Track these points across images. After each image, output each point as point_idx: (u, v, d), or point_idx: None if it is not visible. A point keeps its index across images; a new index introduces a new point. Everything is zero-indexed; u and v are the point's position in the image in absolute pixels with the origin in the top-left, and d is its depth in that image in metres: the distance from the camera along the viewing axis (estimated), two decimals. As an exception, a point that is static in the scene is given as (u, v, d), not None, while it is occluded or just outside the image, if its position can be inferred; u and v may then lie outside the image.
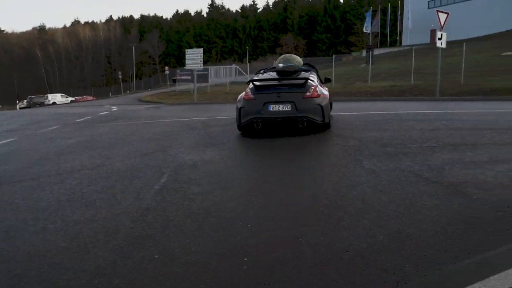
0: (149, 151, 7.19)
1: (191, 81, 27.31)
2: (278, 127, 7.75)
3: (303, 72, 8.59)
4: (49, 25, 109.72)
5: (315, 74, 8.86)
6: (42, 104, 50.12)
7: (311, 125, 7.60)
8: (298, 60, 8.72)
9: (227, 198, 4.26)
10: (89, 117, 16.51)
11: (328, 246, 2.99)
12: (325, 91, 8.38)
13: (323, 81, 9.40)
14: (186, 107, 19.73)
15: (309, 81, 7.85)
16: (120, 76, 70.70)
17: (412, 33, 52.67)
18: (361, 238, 3.07)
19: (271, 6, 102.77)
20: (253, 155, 6.29)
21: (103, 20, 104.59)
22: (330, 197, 4.07)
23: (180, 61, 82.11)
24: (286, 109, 7.62)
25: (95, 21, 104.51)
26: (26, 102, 54.39)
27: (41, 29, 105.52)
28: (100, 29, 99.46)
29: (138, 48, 78.66)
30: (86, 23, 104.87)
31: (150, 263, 2.89)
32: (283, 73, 8.53)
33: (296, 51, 74.65)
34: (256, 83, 8.05)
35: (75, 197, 4.61)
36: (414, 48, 25.14)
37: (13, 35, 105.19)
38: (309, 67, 9.23)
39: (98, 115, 17.46)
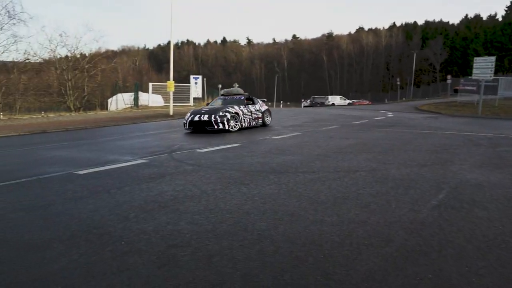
0: (427, 163, 6.87)
1: (476, 92, 24.94)
2: None
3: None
4: (336, 32, 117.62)
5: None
6: (322, 104, 54.48)
7: None
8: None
9: (519, 230, 3.66)
10: (365, 120, 17.03)
11: None
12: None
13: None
14: (468, 120, 18.11)
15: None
16: (398, 83, 70.41)
17: None
18: None
19: None
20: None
21: (386, 27, 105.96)
22: None
23: (464, 70, 76.12)
24: None
25: (378, 27, 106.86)
26: (309, 101, 60.03)
27: (329, 36, 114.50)
28: (382, 36, 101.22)
29: (418, 55, 76.63)
30: (370, 29, 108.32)
31: (423, 282, 2.72)
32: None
33: None
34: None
35: (350, 196, 4.77)
36: None
37: (305, 41, 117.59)
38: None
39: (374, 119, 17.81)
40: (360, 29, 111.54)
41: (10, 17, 26.99)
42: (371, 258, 3.08)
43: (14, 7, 44.01)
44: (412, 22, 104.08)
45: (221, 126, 12.74)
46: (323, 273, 2.86)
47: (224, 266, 3.00)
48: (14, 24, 34.45)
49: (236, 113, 13.42)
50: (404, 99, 66.38)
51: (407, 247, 3.28)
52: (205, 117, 12.89)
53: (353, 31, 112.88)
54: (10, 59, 31.56)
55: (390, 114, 22.54)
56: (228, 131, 12.82)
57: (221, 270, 2.94)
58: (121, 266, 3.03)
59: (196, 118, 12.95)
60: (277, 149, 8.71)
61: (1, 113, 27.22)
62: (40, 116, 22.23)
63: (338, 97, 59.35)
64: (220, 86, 50.97)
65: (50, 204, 4.76)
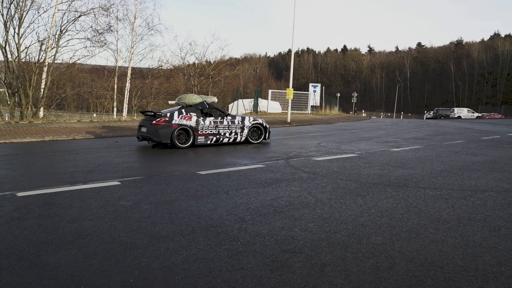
0: None
1: None
2: None
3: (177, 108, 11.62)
4: (466, 39, 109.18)
5: (189, 110, 11.44)
6: (447, 117, 51.08)
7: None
8: (189, 98, 11.85)
9: None
10: (497, 136, 15.56)
11: None
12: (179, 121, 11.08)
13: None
14: None
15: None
16: (538, 95, 63.15)
17: None
18: None
19: None
20: None
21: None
22: None
23: None
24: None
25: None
26: (433, 113, 56.65)
27: (458, 43, 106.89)
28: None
29: None
30: (507, 36, 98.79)
31: None
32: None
33: None
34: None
35: (477, 218, 4.39)
36: None
37: (431, 49, 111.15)
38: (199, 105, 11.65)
39: (508, 135, 16.19)
40: (495, 36, 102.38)
41: (149, 28, 29.73)
42: (500, 288, 2.81)
43: (153, 20, 48.30)
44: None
45: None
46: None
47: (337, 276, 2.97)
48: (152, 34, 37.94)
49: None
50: (545, 113, 59.35)
51: (544, 280, 2.92)
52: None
53: (486, 38, 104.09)
54: (146, 66, 34.78)
55: (527, 130, 20.31)
56: None
57: (333, 280, 2.91)
58: (236, 265, 3.15)
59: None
60: (396, 161, 8.35)
61: (136, 115, 30.09)
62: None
63: (465, 109, 55.01)
64: (338, 94, 50.44)
65: (174, 200, 5.14)
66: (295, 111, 33.37)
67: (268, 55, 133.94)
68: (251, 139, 12.22)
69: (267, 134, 12.50)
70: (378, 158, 8.88)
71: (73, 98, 31.21)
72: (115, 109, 30.04)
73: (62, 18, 22.69)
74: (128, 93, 29.86)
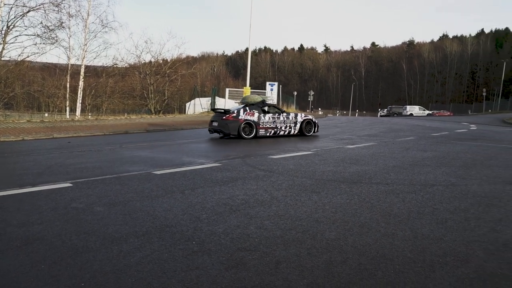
0: (513, 180, 6.39)
1: None
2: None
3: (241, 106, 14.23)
4: (417, 39, 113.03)
5: (252, 107, 13.70)
6: (399, 114, 52.79)
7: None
8: (251, 97, 14.53)
9: None
10: (445, 132, 16.23)
11: None
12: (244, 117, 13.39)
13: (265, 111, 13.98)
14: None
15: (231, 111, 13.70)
16: (484, 94, 66.39)
17: None
18: None
19: None
20: None
21: (473, 34, 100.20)
22: None
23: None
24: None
25: (464, 35, 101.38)
26: (386, 111, 58.38)
27: (410, 43, 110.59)
28: (468, 43, 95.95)
29: (509, 64, 71.65)
30: (454, 37, 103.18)
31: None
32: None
33: None
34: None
35: (425, 211, 4.57)
36: None
37: (384, 49, 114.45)
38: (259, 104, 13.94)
39: (455, 131, 16.93)
40: (444, 37, 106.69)
41: (103, 25, 29.00)
42: (445, 277, 2.93)
43: (106, 17, 47.09)
44: (504, 29, 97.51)
45: None
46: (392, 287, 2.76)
47: (291, 273, 3.00)
48: (106, 32, 36.98)
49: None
50: (490, 111, 62.46)
51: (486, 269, 3.07)
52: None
53: (436, 39, 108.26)
54: (100, 64, 33.86)
55: (473, 127, 21.29)
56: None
57: (288, 277, 2.94)
58: (191, 265, 3.13)
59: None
60: (351, 158, 8.55)
61: (90, 114, 29.29)
62: (123, 117, 23.59)
63: (416, 107, 57.09)
64: (295, 93, 51.01)
65: (129, 200, 5.04)
66: (253, 110, 33.38)
67: (225, 53, 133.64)
68: (306, 131, 14.35)
69: (316, 128, 14.73)
70: (333, 155, 9.06)
71: (22, 97, 29.93)
72: (67, 109, 29.09)
73: (9, 13, 21.79)
74: (82, 92, 28.97)
